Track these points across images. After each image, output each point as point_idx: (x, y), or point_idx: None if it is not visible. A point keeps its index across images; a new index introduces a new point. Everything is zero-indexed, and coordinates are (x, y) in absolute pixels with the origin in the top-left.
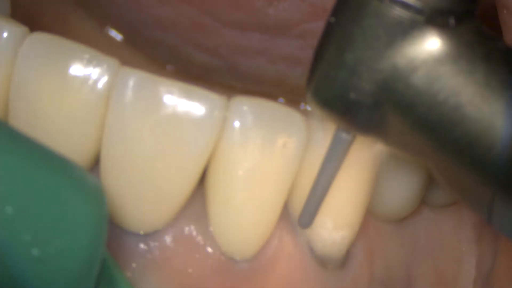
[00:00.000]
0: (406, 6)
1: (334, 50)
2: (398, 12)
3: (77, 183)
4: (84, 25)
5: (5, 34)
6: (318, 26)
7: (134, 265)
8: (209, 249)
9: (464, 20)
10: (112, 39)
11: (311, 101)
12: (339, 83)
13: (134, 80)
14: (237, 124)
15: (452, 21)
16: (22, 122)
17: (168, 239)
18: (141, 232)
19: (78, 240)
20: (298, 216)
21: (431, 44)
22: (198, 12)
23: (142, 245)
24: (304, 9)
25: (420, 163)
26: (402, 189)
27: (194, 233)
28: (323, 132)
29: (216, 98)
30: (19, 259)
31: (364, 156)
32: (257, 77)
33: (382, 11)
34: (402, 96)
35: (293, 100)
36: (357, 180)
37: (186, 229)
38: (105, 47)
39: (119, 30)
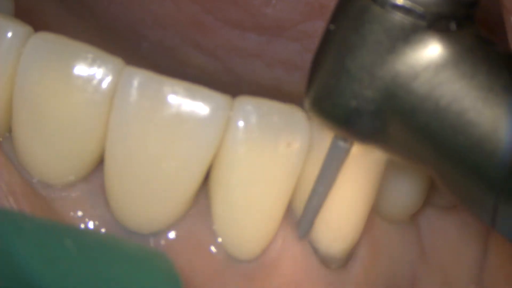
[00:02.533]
0: (408, 11)
1: (334, 58)
2: (399, 17)
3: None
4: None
5: (9, 34)
6: (314, 27)
7: None
8: (213, 249)
9: (464, 25)
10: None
11: (310, 109)
12: (339, 91)
13: (138, 79)
14: (241, 123)
15: (453, 25)
16: (26, 121)
17: (172, 239)
18: (145, 232)
19: None
20: (297, 227)
21: (432, 49)
22: (199, 10)
23: (146, 245)
24: (301, 8)
25: (420, 170)
26: (406, 189)
27: (198, 233)
28: (327, 132)
29: (220, 98)
30: None
31: (368, 156)
32: (254, 81)
33: (383, 16)
34: (404, 103)
35: None
36: (362, 181)
37: (190, 229)
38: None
39: (119, 30)
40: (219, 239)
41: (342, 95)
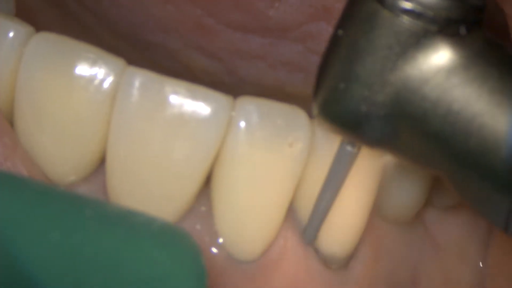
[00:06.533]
0: (418, 16)
1: (343, 63)
2: (409, 22)
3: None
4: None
5: (10, 34)
6: (318, 28)
7: None
8: (214, 249)
9: (473, 29)
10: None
11: (318, 114)
12: (349, 96)
13: (140, 79)
14: (242, 124)
15: (463, 30)
16: (27, 122)
17: None
18: None
19: None
20: (303, 230)
21: (443, 54)
22: (201, 13)
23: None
24: (304, 10)
25: (422, 170)
26: (407, 190)
27: (200, 233)
28: (334, 135)
29: (222, 98)
30: None
31: (369, 157)
32: (257, 83)
33: (393, 21)
34: (415, 108)
35: None
36: (363, 181)
37: (192, 229)
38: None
39: (121, 34)
40: (220, 240)
41: (352, 100)
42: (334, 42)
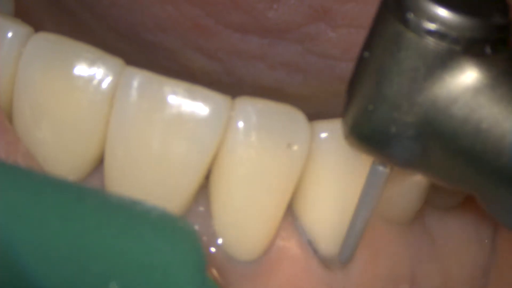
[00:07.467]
0: (443, 37)
1: (371, 84)
2: (434, 43)
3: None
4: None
5: (9, 34)
6: (317, 29)
7: None
8: (213, 250)
9: (499, 48)
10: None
11: (348, 136)
12: (378, 117)
13: (138, 80)
14: (241, 124)
15: (488, 49)
16: (26, 122)
17: None
18: None
19: None
20: (338, 252)
21: (469, 74)
22: (200, 13)
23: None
24: (303, 11)
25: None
26: (406, 190)
27: (198, 233)
28: (328, 133)
29: (220, 98)
30: None
31: (368, 158)
32: (255, 83)
33: (418, 42)
34: (444, 127)
35: None
36: (362, 181)
37: None
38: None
39: (120, 33)
40: (219, 240)
41: (381, 121)
42: (361, 64)
